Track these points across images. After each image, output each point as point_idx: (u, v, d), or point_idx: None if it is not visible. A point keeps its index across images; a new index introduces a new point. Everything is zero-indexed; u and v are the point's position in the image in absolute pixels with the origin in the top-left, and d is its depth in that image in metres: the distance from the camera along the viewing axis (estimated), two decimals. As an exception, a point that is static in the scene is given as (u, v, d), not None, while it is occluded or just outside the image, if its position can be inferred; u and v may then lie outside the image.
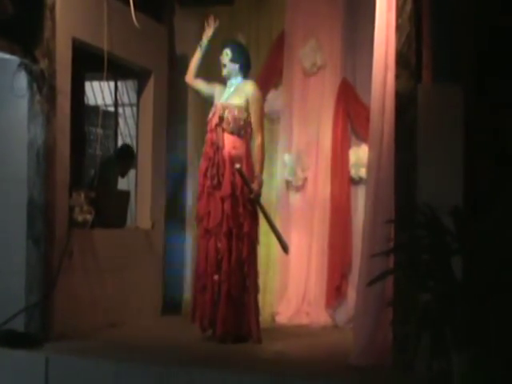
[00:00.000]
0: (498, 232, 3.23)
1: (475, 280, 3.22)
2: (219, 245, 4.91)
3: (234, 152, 4.96)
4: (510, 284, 3.13)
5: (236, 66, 5.11)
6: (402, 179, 4.03)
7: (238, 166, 4.86)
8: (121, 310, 5.51)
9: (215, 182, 4.93)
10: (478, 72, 3.85)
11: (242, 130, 5.02)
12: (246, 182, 4.91)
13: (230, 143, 4.98)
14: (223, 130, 4.98)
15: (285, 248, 5.17)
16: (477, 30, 3.84)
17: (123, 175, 6.55)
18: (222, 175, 4.93)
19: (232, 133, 4.99)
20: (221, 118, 4.98)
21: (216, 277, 4.90)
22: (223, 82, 5.22)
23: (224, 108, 5.01)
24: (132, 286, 5.69)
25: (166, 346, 4.84)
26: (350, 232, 5.82)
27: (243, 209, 4.94)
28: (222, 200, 4.91)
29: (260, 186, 4.98)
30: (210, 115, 5.09)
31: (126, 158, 6.47)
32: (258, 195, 4.98)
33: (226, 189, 4.90)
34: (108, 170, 6.14)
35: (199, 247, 5.07)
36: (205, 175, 5.00)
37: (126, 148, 6.74)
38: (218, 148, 4.97)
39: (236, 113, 5.00)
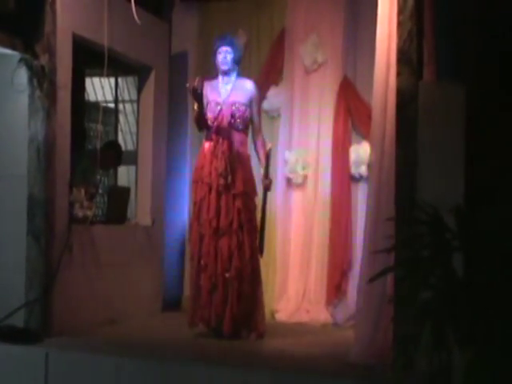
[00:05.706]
0: (499, 229, 3.22)
1: (476, 277, 3.21)
2: (232, 243, 4.91)
3: (241, 149, 5.05)
4: (511, 281, 3.12)
5: (236, 63, 5.14)
6: (403, 176, 4.00)
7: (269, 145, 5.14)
8: (120, 305, 5.50)
9: (229, 180, 4.94)
10: (480, 69, 3.83)
11: (247, 128, 5.10)
12: (267, 167, 5.07)
13: (238, 140, 5.04)
14: (234, 128, 5.02)
15: (261, 249, 5.09)
16: (481, 27, 3.82)
17: (104, 168, 6.08)
18: (235, 173, 4.95)
19: (240, 130, 5.05)
20: (232, 115, 5.02)
21: (227, 274, 4.90)
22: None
23: (231, 105, 5.04)
24: (132, 281, 5.69)
25: (166, 342, 4.84)
26: (350, 229, 5.82)
27: (253, 204, 5.04)
28: (234, 197, 4.94)
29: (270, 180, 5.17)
30: (217, 112, 5.05)
31: (108, 151, 5.98)
32: (270, 184, 5.15)
33: (239, 186, 4.94)
34: (85, 161, 5.81)
35: (207, 247, 4.95)
36: (213, 174, 4.95)
37: (111, 143, 6.35)
38: (230, 145, 4.99)
39: (243, 110, 5.05)
